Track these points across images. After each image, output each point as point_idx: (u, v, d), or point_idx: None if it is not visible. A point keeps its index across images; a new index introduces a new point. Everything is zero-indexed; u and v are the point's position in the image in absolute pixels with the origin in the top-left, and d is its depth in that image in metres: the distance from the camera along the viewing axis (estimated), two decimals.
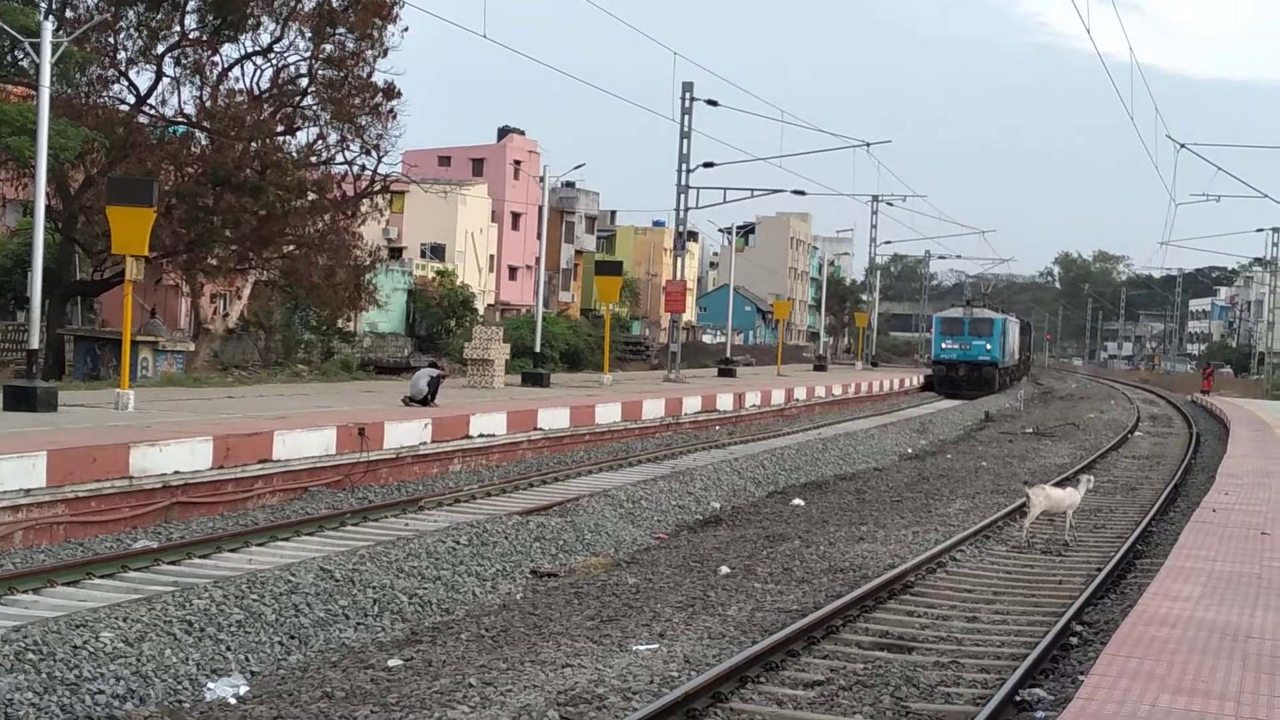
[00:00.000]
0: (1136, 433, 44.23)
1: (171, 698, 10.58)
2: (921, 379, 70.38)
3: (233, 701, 10.54)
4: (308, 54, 41.10)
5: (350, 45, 40.97)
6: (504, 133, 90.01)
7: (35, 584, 13.82)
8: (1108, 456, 34.54)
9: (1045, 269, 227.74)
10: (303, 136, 42.36)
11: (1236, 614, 11.94)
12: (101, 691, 10.27)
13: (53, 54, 24.02)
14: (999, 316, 70.51)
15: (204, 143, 40.05)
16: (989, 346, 67.19)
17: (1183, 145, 46.27)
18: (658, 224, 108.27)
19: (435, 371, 29.19)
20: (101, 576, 14.50)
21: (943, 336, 68.91)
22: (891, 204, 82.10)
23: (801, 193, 62.08)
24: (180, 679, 10.87)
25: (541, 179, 48.94)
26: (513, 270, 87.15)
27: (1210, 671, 9.78)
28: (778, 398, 45.19)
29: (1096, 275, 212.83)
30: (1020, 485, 22.84)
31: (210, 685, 10.88)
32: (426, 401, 27.93)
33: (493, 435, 26.61)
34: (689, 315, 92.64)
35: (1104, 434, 42.25)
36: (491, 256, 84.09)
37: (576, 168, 79.68)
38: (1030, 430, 42.58)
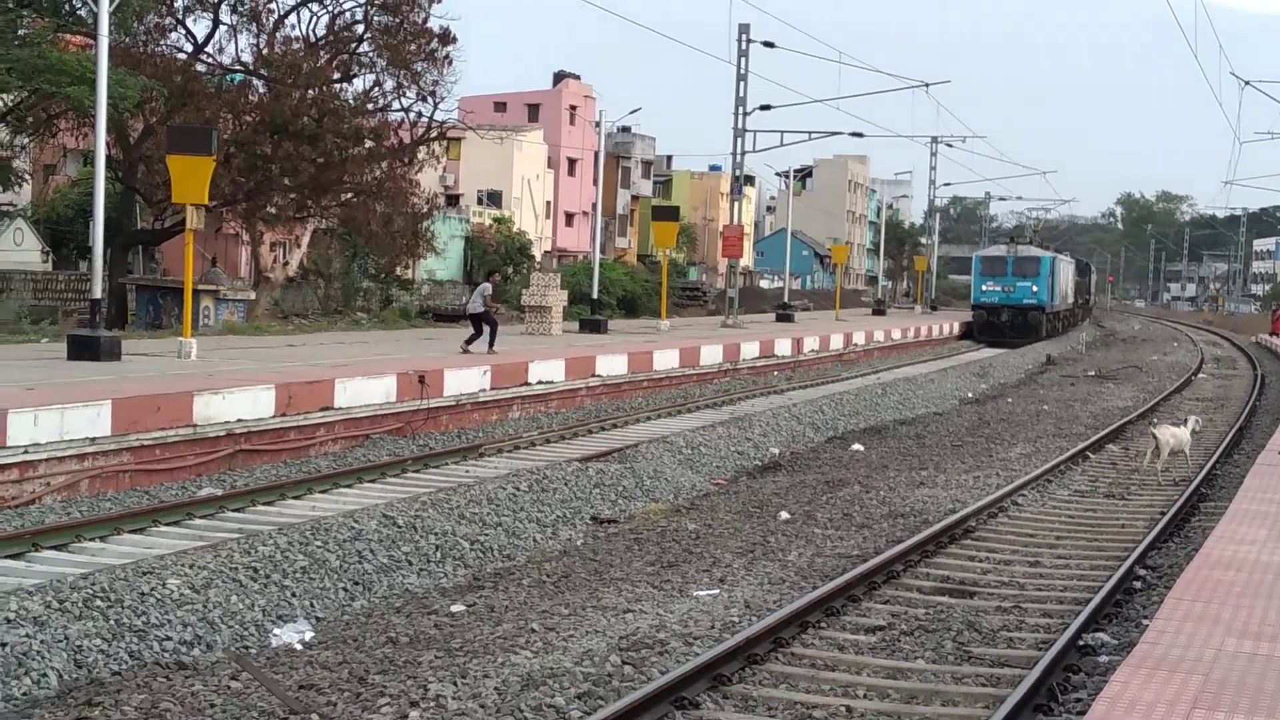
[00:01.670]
0: (1200, 375, 43.79)
1: (238, 644, 10.69)
2: (958, 326, 64.51)
3: (298, 647, 10.64)
4: (363, 0, 41.09)
5: None
6: (559, 78, 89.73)
7: (102, 531, 13.99)
8: (1171, 399, 34.21)
9: (1107, 210, 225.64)
10: (359, 83, 42.58)
11: None
12: (169, 638, 10.40)
13: (110, 3, 24.09)
14: (1047, 254, 64.38)
15: (261, 90, 40.20)
16: (1035, 288, 61.28)
17: (1247, 82, 45.63)
18: (714, 168, 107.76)
19: (488, 285, 29.43)
20: (167, 524, 14.66)
21: (984, 278, 62.90)
22: (951, 145, 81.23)
23: (859, 135, 61.26)
24: (246, 625, 10.99)
25: (597, 124, 48.88)
26: (569, 216, 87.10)
27: (1277, 615, 9.69)
28: (836, 343, 45.03)
29: (1159, 216, 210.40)
30: (1148, 427, 23.00)
31: (276, 631, 11.00)
32: (480, 327, 28.21)
33: (551, 382, 26.67)
34: (746, 260, 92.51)
35: (1167, 376, 41.86)
36: (548, 203, 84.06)
37: (632, 112, 79.94)
38: (1092, 373, 42.22)
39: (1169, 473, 20.04)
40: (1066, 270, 71.32)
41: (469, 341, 28.25)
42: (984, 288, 62.49)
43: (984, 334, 61.19)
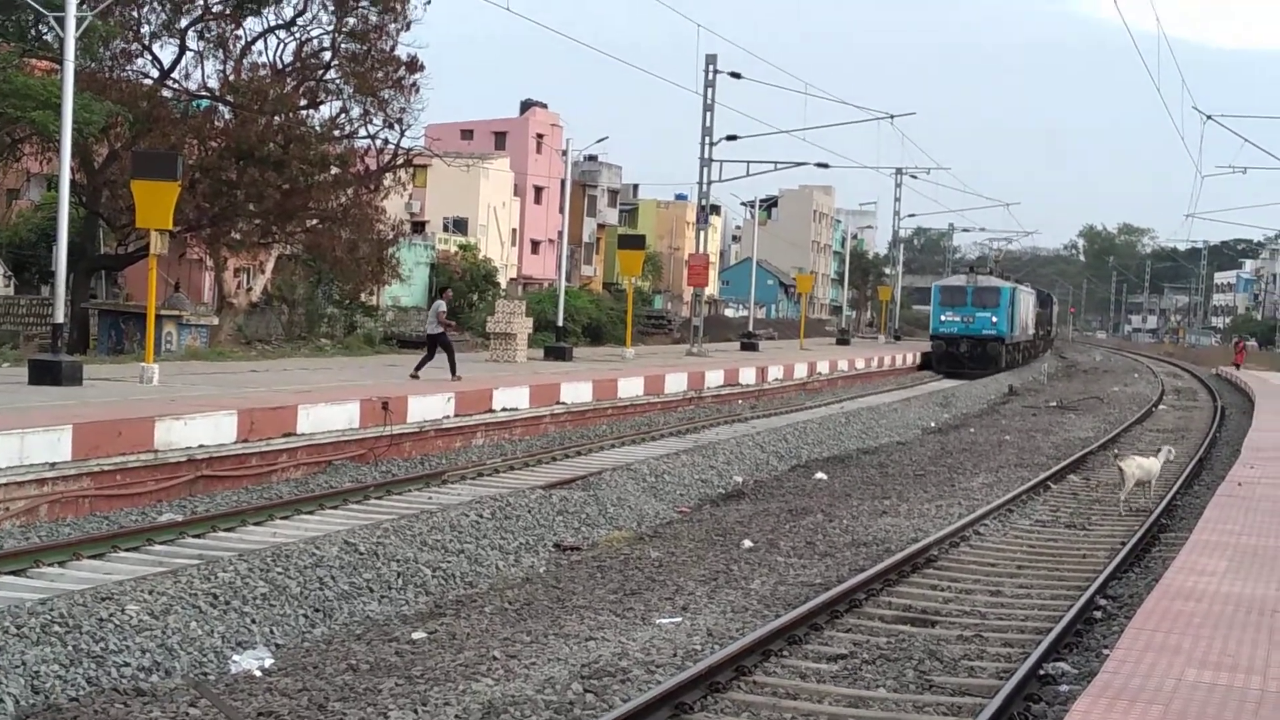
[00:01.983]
0: (1161, 406, 44.07)
1: (197, 670, 10.62)
2: (918, 357, 63.69)
3: (258, 674, 10.57)
4: (330, 27, 41.16)
5: (373, 18, 40.98)
6: (526, 106, 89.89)
7: (61, 557, 13.88)
8: (1132, 430, 34.41)
9: (1070, 242, 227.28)
10: (326, 110, 42.47)
11: (1263, 588, 11.89)
12: (127, 664, 10.32)
13: (77, 28, 24.04)
14: (1007, 285, 63.20)
15: (227, 117, 40.11)
16: (994, 319, 60.32)
17: (1209, 116, 46.01)
18: (680, 198, 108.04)
19: (441, 303, 29.28)
20: (127, 550, 14.56)
21: (943, 308, 61.71)
22: (915, 176, 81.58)
23: (825, 165, 61.43)
24: (205, 651, 10.92)
25: (564, 152, 48.95)
26: (535, 244, 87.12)
27: (1237, 645, 9.75)
28: (800, 371, 45.15)
29: (1121, 248, 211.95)
30: (1113, 459, 23.16)
31: (235, 658, 10.93)
32: (434, 350, 28.11)
33: (515, 409, 26.64)
34: (711, 289, 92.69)
35: (1128, 407, 42.10)
36: (514, 230, 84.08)
37: (599, 141, 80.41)
38: (1054, 404, 42.44)
39: (1136, 502, 20.18)
40: (1027, 301, 70.71)
41: (419, 367, 28.02)
42: (943, 318, 61.60)
43: (942, 364, 60.38)
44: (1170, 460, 22.65)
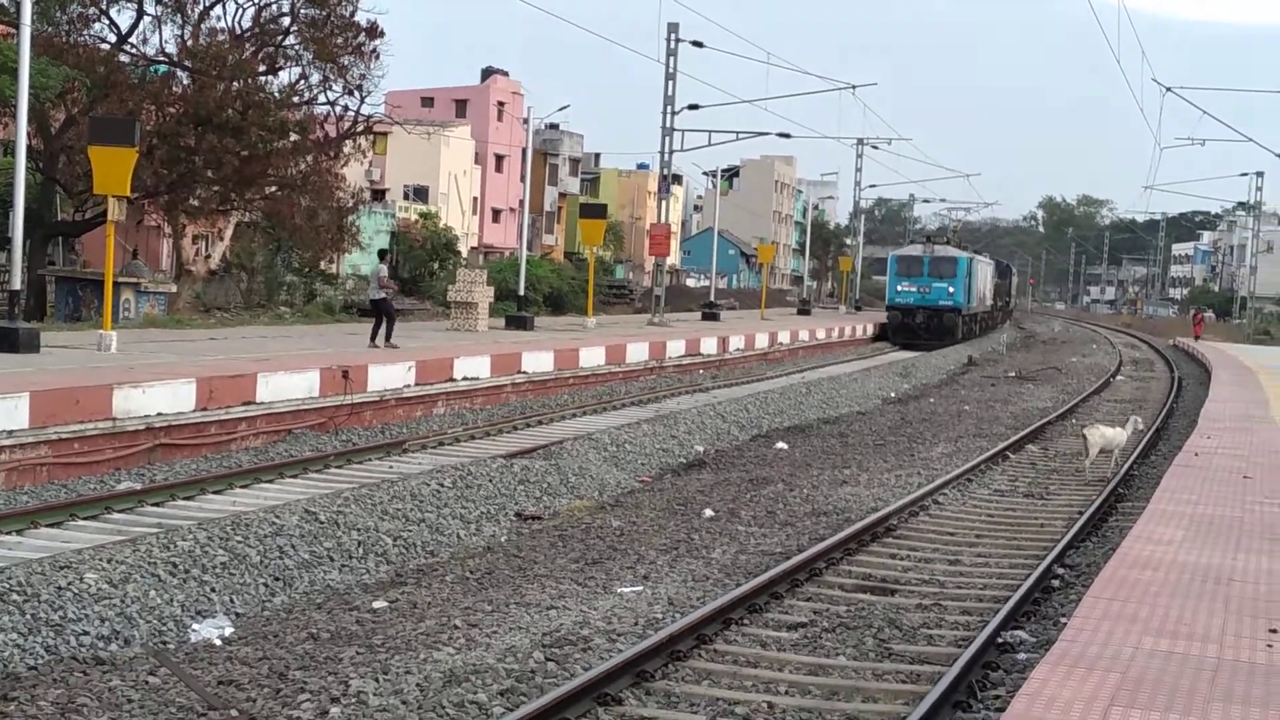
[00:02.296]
0: (1119, 377, 44.34)
1: (156, 639, 10.59)
2: (872, 328, 62.36)
3: (218, 643, 10.55)
4: None
5: None
6: (488, 74, 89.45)
7: (19, 525, 13.79)
8: (1090, 400, 34.63)
9: (1029, 213, 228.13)
10: (285, 76, 42.09)
11: (1219, 557, 12.00)
12: (86, 633, 10.27)
13: None
14: (964, 255, 62.07)
15: (185, 82, 39.74)
16: (951, 289, 59.19)
17: (1169, 89, 46.46)
18: (642, 167, 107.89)
19: (382, 267, 29.24)
20: (85, 518, 14.48)
21: (899, 278, 60.60)
22: (877, 147, 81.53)
23: (787, 135, 61.35)
24: (165, 620, 10.88)
25: (525, 121, 48.81)
26: (496, 213, 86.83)
27: (1193, 614, 9.84)
28: (761, 341, 45.22)
29: (1080, 219, 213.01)
30: (1077, 426, 23.29)
31: (195, 626, 10.90)
32: (380, 317, 28.07)
33: (476, 378, 26.60)
34: (673, 259, 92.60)
35: (1086, 378, 42.36)
36: (475, 199, 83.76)
37: (561, 109, 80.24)
38: (1013, 374, 42.67)
39: (1098, 471, 20.40)
40: (985, 271, 70.00)
41: (374, 335, 27.99)
42: (899, 288, 60.47)
43: (898, 336, 59.23)
44: (1138, 430, 22.86)
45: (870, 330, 61.49)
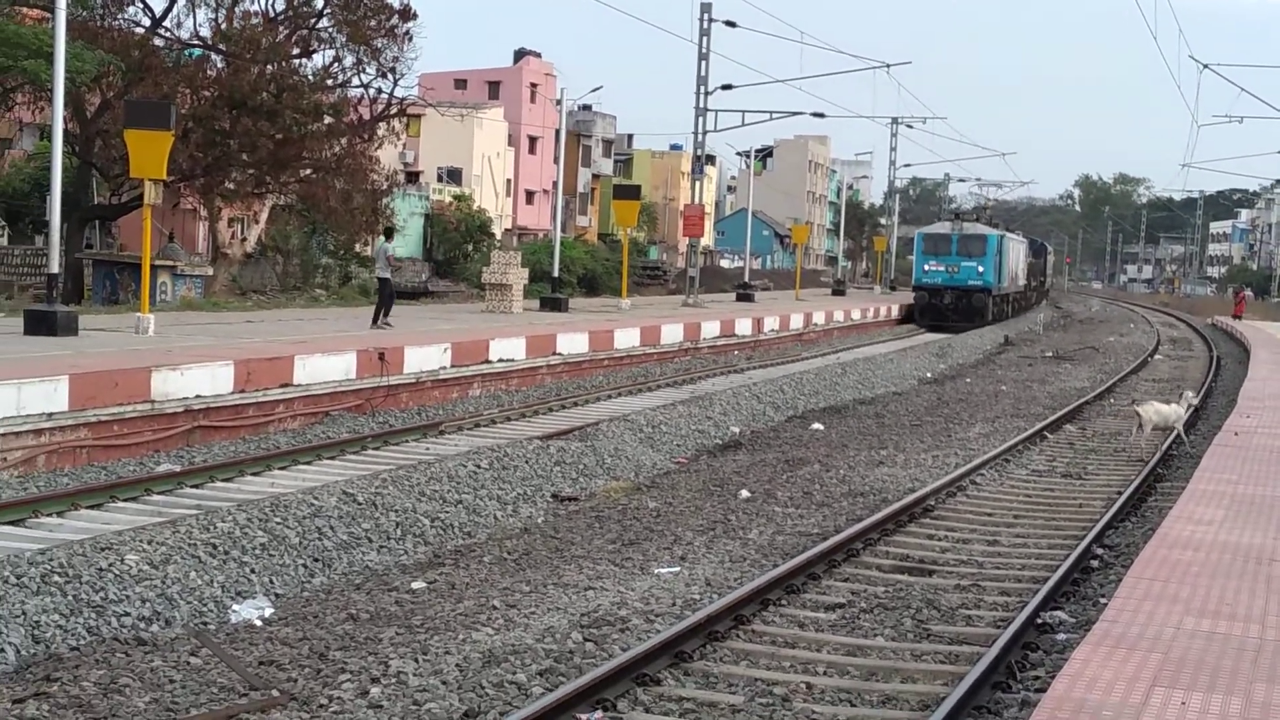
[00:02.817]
0: (1157, 356, 44.09)
1: (197, 619, 10.65)
2: (898, 309, 60.14)
3: (258, 623, 10.60)
4: None
5: None
6: (520, 55, 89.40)
7: (59, 507, 13.88)
8: (1128, 380, 34.43)
9: (1065, 192, 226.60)
10: (318, 59, 42.18)
11: (1260, 537, 11.92)
12: (127, 614, 10.34)
13: None
14: (994, 233, 59.30)
15: (220, 66, 39.86)
16: (981, 269, 56.82)
17: (1206, 66, 45.91)
18: (675, 148, 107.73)
19: (388, 245, 29.43)
20: (125, 500, 14.57)
21: (926, 257, 58.04)
22: (911, 126, 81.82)
23: (821, 115, 61.13)
24: (205, 601, 10.94)
25: (558, 102, 48.71)
26: (529, 194, 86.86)
27: (1234, 594, 9.78)
28: (796, 322, 45.14)
29: (1117, 198, 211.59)
30: (1130, 405, 23.11)
31: (235, 607, 10.95)
32: (384, 294, 28.19)
33: (512, 360, 26.63)
34: (707, 240, 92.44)
35: (1124, 357, 42.11)
36: (508, 180, 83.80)
37: (593, 90, 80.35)
38: (1049, 354, 42.44)
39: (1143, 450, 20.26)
40: (1017, 250, 67.47)
41: (376, 316, 28.31)
42: (926, 267, 57.86)
43: (925, 317, 57.14)
44: (1194, 404, 22.72)
45: (896, 312, 60.01)
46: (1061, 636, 10.35)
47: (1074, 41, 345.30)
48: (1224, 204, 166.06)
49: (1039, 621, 10.70)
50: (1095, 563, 13.04)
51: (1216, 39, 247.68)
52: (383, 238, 31.20)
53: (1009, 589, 12.11)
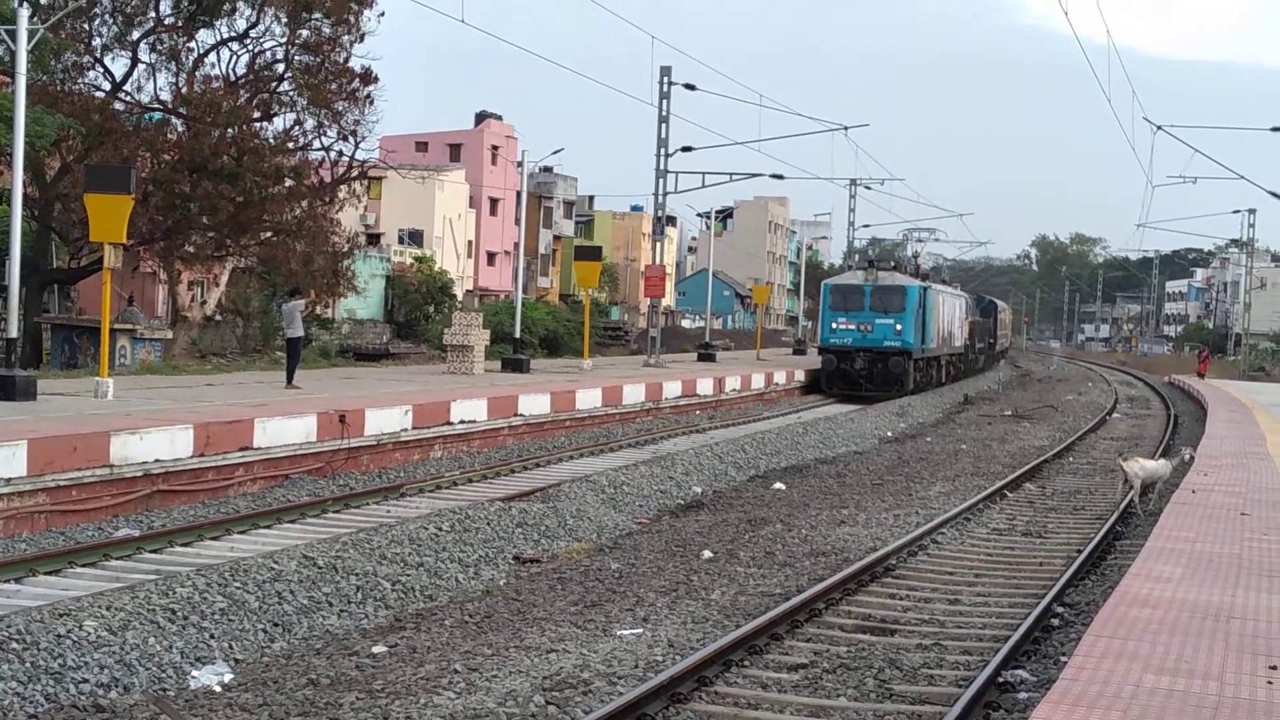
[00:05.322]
0: (1115, 414, 44.40)
1: (156, 686, 10.56)
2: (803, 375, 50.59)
3: (218, 689, 10.52)
4: (284, 39, 41.04)
5: (326, 30, 40.89)
6: (481, 118, 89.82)
7: (17, 573, 13.77)
8: (1086, 439, 34.66)
9: (1023, 252, 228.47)
10: (280, 122, 42.33)
11: (1218, 594, 12.00)
12: (86, 680, 10.25)
13: (28, 41, 23.86)
14: (915, 283, 49.31)
15: (180, 129, 39.91)
16: (899, 327, 47.60)
17: (1160, 127, 46.46)
18: (636, 209, 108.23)
19: (300, 303, 29.44)
20: (84, 565, 14.46)
21: (834, 313, 48.84)
22: (869, 187, 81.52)
23: (780, 176, 61.48)
24: (164, 667, 10.86)
25: (519, 164, 48.94)
26: (491, 256, 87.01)
27: (1193, 651, 9.83)
28: (757, 382, 45.24)
29: (1074, 258, 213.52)
30: (1116, 459, 23.09)
31: (195, 673, 10.87)
32: (294, 354, 28.41)
33: (474, 421, 26.59)
34: (668, 300, 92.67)
35: (1082, 416, 42.40)
36: (470, 242, 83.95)
37: (554, 153, 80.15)
38: (1009, 413, 42.70)
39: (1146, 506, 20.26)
40: (951, 305, 57.63)
41: (291, 376, 28.42)
42: (835, 325, 48.65)
43: (833, 384, 48.28)
44: (1189, 461, 22.78)
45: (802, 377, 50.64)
46: (1023, 695, 10.38)
47: (1029, 104, 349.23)
48: (1179, 263, 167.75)
49: (1000, 680, 10.74)
50: (1056, 621, 13.10)
51: (1170, 100, 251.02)
52: (289, 296, 31.29)
53: (971, 648, 12.14)
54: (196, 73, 40.83)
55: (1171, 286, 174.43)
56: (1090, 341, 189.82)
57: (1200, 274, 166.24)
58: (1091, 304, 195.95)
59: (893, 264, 56.33)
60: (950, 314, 56.66)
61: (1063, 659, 10.69)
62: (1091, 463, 28.62)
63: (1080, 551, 16.69)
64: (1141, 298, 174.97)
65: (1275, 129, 52.82)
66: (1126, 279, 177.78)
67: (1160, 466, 21.01)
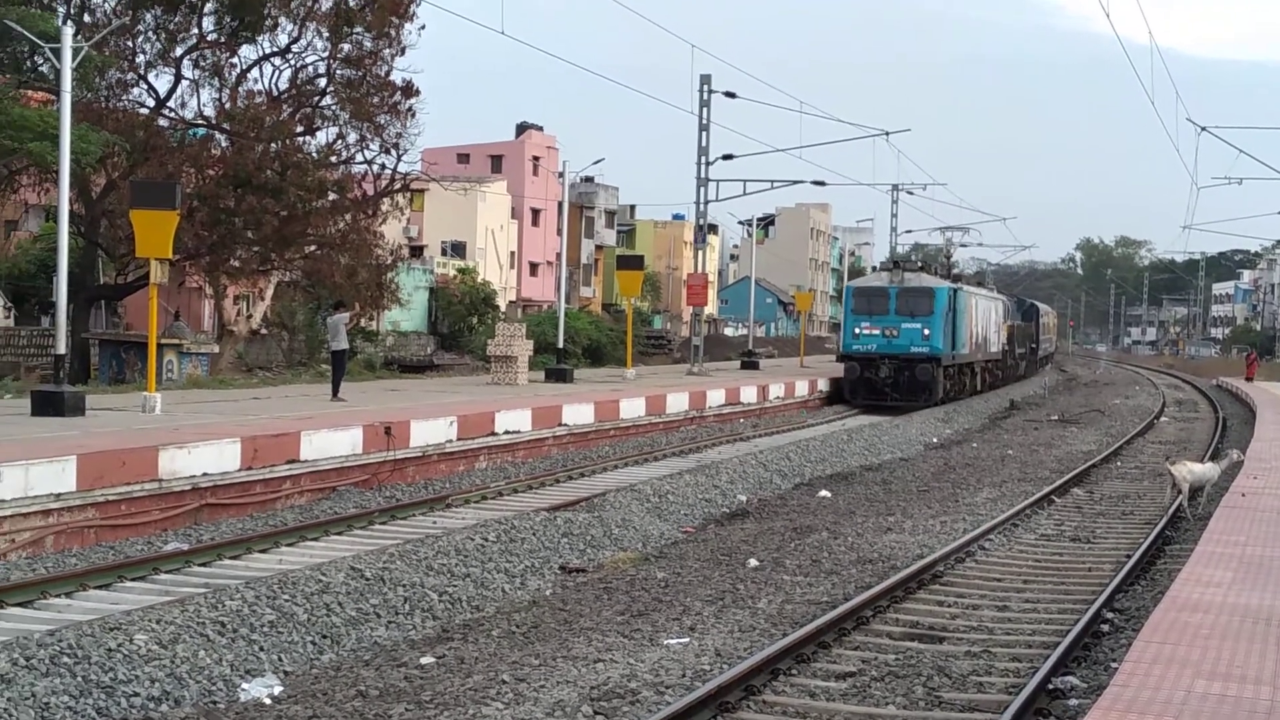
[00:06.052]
0: (1162, 418, 44.07)
1: (206, 699, 10.62)
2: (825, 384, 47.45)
3: (267, 702, 10.57)
4: (325, 54, 41.24)
5: (368, 44, 41.06)
6: (522, 129, 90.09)
7: (68, 588, 13.88)
8: (1134, 443, 34.40)
9: (1067, 255, 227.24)
10: (322, 136, 42.56)
11: (1269, 598, 11.90)
12: (136, 694, 10.32)
13: (73, 59, 24.10)
14: (944, 285, 46.43)
15: (224, 144, 40.21)
16: (926, 331, 44.40)
17: (1204, 128, 45.99)
18: (678, 217, 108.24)
19: (345, 315, 29.59)
20: (133, 579, 14.56)
21: (857, 317, 45.49)
22: (911, 193, 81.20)
23: (821, 183, 61.11)
24: (214, 680, 10.92)
25: (561, 174, 49.00)
26: (533, 266, 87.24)
27: (1245, 656, 9.75)
28: (801, 389, 45.10)
29: (1119, 260, 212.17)
30: (1164, 463, 22.84)
31: (244, 686, 10.93)
32: (339, 367, 28.44)
33: (518, 432, 26.65)
34: (710, 308, 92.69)
35: (1129, 420, 42.10)
36: (512, 253, 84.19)
37: (595, 163, 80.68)
38: (1055, 418, 42.42)
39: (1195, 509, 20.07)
40: (986, 309, 54.20)
41: (336, 389, 28.57)
42: (858, 330, 45.35)
43: (858, 394, 45.05)
44: (1235, 462, 22.60)
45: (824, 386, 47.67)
46: (1073, 702, 10.31)
47: (1072, 106, 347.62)
48: (1226, 265, 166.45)
49: (1050, 687, 10.67)
50: (1105, 627, 13.01)
51: (1213, 101, 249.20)
52: (336, 310, 31.48)
53: (1020, 655, 12.07)
54: (239, 88, 41.10)
55: (1218, 289, 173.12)
56: (1137, 345, 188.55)
57: (1247, 275, 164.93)
58: (1137, 307, 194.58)
59: (920, 264, 53.60)
60: (985, 317, 53.73)
61: (1113, 665, 10.62)
62: (1140, 467, 28.41)
63: (1129, 556, 16.56)
64: (1188, 300, 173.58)
65: None
66: (1172, 281, 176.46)
67: (1209, 470, 20.80)
